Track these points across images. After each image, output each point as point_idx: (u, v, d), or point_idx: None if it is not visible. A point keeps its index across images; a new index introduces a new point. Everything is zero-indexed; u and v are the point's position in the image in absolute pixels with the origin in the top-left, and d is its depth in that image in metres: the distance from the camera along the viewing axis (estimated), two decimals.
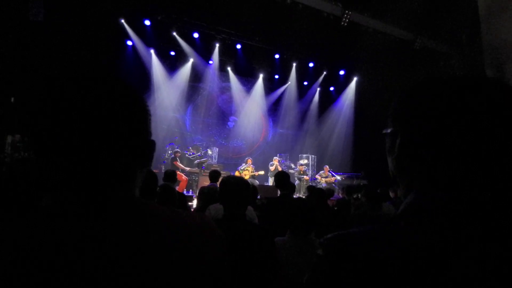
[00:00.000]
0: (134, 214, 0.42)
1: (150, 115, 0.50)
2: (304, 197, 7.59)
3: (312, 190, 4.12)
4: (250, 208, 2.26)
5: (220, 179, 3.85)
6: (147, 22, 7.71)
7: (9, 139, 5.21)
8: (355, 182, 8.29)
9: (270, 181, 8.25)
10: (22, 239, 0.37)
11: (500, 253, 0.33)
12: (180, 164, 7.40)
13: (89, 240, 0.38)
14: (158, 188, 1.53)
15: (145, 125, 0.49)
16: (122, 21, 7.62)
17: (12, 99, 5.54)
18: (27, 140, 5.35)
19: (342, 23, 6.95)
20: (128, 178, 0.46)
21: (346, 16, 6.86)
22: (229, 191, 1.25)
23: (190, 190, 7.37)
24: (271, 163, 8.66)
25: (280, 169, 8.28)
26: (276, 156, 9.27)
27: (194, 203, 5.47)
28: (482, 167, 0.38)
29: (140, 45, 8.23)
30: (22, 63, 5.73)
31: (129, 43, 8.19)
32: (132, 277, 0.37)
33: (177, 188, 4.58)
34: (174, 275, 0.39)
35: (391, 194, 4.94)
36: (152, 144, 0.50)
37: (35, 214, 0.41)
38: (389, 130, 0.49)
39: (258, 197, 3.93)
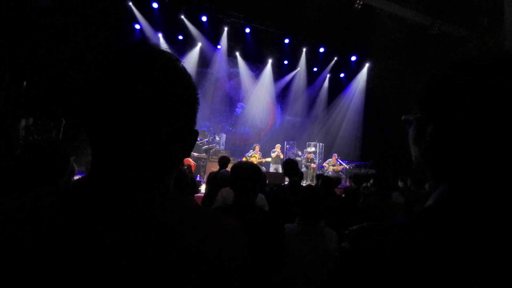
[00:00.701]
0: (147, 209, 0.39)
1: (198, 103, 0.46)
2: (312, 184, 7.61)
3: (320, 178, 4.10)
4: (262, 196, 2.26)
5: (229, 166, 3.87)
6: (155, 5, 7.57)
7: (23, 122, 5.32)
8: (363, 171, 8.23)
9: (272, 168, 8.24)
10: (22, 226, 0.36)
11: (501, 253, 0.32)
12: None
13: (89, 232, 0.36)
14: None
15: (192, 113, 0.45)
16: (130, 3, 7.50)
17: (24, 83, 5.61)
18: (40, 123, 5.46)
19: (356, 5, 6.67)
20: (157, 170, 0.42)
21: None
22: (241, 177, 1.23)
23: (198, 176, 7.47)
24: (273, 150, 8.65)
25: (282, 156, 8.28)
26: (282, 143, 9.21)
27: (202, 188, 5.56)
28: None
29: (148, 29, 8.13)
30: (32, 47, 5.76)
31: (137, 26, 8.10)
32: (132, 274, 0.35)
33: None
34: (174, 275, 0.36)
35: (400, 184, 4.88)
36: (195, 134, 0.47)
37: (40, 202, 0.38)
38: (415, 117, 0.45)
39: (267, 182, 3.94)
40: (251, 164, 1.28)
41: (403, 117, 0.47)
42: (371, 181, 4.50)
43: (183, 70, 0.44)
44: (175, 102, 0.41)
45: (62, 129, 5.60)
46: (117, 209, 0.38)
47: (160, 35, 8.48)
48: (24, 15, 5.48)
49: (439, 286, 0.32)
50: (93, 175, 0.40)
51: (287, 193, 2.52)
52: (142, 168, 0.40)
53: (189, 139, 0.46)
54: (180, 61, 0.44)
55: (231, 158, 6.88)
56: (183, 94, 0.42)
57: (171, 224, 0.38)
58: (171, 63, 0.42)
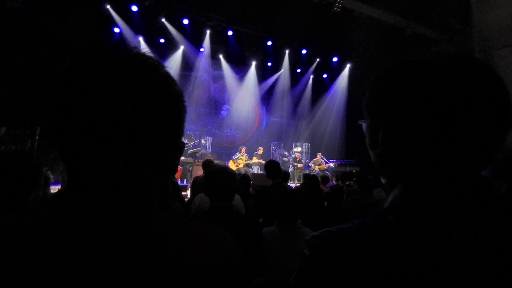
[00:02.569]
0: (137, 226, 0.36)
1: (184, 111, 0.42)
2: (298, 184, 7.69)
3: (306, 177, 4.16)
4: (237, 196, 2.26)
5: None
6: (134, 8, 7.44)
7: None
8: (347, 169, 8.41)
9: (254, 170, 8.16)
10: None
11: (491, 243, 0.33)
12: None
13: (72, 247, 0.33)
14: None
15: (178, 123, 0.41)
16: (108, 7, 7.33)
17: None
18: (14, 132, 5.22)
19: (335, 8, 6.83)
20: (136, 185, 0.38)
21: (339, 1, 6.74)
22: (214, 182, 1.24)
23: (184, 180, 7.37)
24: (255, 153, 8.51)
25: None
26: (268, 144, 9.18)
27: (188, 193, 5.49)
28: (472, 156, 0.36)
29: (128, 33, 7.97)
30: (2, 53, 5.50)
31: (116, 30, 7.92)
32: None
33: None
34: None
35: (383, 180, 5.01)
36: (182, 145, 0.43)
37: (20, 215, 0.36)
38: (367, 123, 0.46)
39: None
40: (224, 169, 1.28)
41: (359, 122, 0.49)
42: (354, 178, 4.60)
43: (167, 76, 0.40)
44: (158, 111, 0.37)
45: (37, 137, 5.38)
46: (107, 231, 0.34)
47: (140, 38, 8.33)
48: None
49: (407, 286, 0.32)
50: (71, 192, 0.37)
51: (269, 194, 2.54)
52: (124, 182, 0.37)
53: (175, 151, 0.42)
54: (164, 67, 0.40)
55: (217, 161, 6.83)
56: (166, 102, 0.39)
57: (168, 242, 0.36)
58: (152, 69, 0.39)
